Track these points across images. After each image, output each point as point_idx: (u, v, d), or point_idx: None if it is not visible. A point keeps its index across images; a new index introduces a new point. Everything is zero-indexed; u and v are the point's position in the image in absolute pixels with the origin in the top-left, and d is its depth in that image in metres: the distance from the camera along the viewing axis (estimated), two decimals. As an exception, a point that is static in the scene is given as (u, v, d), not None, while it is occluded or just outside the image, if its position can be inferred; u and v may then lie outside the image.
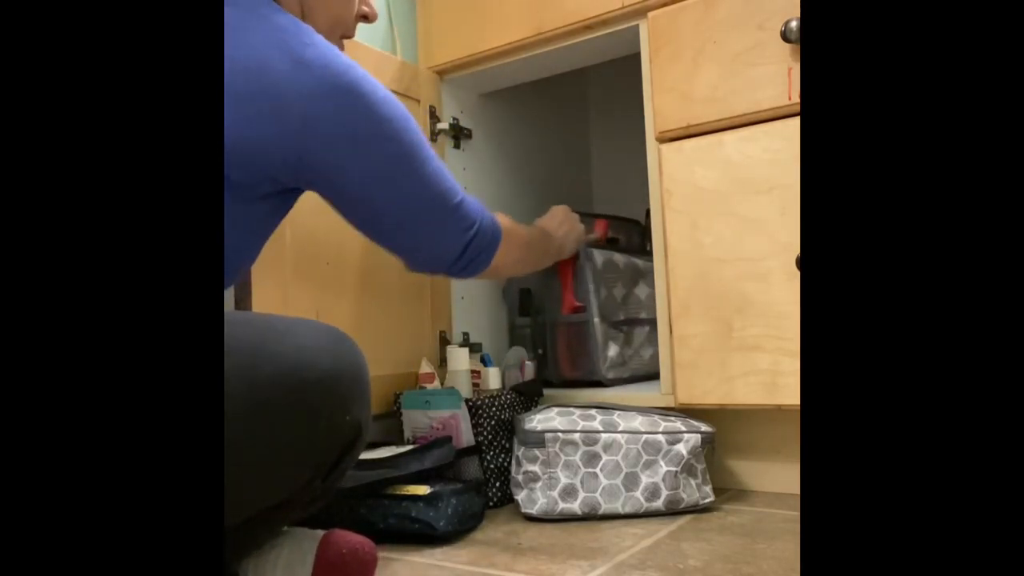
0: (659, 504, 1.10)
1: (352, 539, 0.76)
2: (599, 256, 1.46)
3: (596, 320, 1.44)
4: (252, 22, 0.73)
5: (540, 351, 1.50)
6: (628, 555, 0.93)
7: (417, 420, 1.21)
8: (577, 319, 1.46)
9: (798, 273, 1.09)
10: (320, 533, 0.76)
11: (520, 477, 1.13)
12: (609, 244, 1.58)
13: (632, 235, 1.69)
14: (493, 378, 1.33)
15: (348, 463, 0.69)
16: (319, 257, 1.20)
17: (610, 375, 1.45)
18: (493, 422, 1.20)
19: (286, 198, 0.82)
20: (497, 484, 1.20)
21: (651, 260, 1.29)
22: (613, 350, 1.47)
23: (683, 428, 1.13)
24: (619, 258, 1.52)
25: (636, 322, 1.54)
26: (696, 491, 1.12)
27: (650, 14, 1.24)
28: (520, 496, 1.13)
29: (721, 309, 1.16)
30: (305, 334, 0.60)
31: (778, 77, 1.11)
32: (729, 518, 1.08)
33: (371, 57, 1.33)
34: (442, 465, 1.09)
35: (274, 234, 0.88)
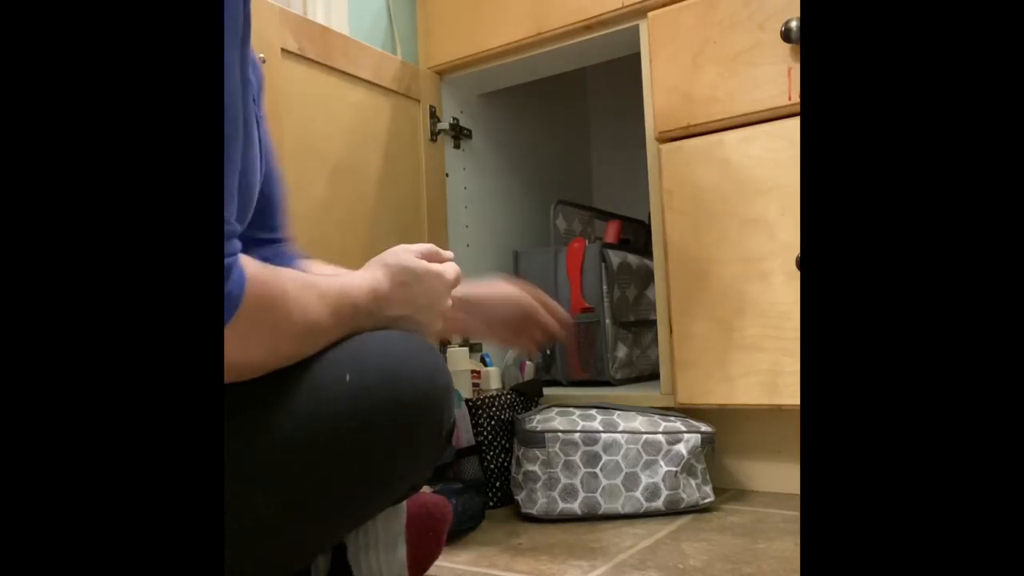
0: (659, 504, 1.10)
1: (428, 496, 0.83)
2: (615, 257, 1.46)
3: (607, 322, 1.44)
4: None
5: (548, 351, 1.50)
6: (628, 555, 0.93)
7: (417, 420, 1.21)
8: (586, 319, 1.46)
9: (798, 273, 1.09)
10: None
11: (520, 477, 1.13)
12: (622, 245, 1.58)
13: (639, 236, 1.70)
14: (493, 378, 1.33)
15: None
16: (321, 258, 1.20)
17: (618, 375, 1.45)
18: (493, 422, 1.20)
19: None
20: (497, 484, 1.20)
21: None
22: (622, 351, 1.47)
23: (683, 428, 1.13)
24: (633, 259, 1.52)
25: (645, 323, 1.54)
26: (696, 491, 1.12)
27: (650, 14, 1.24)
28: (520, 496, 1.13)
29: (721, 309, 1.16)
30: (418, 358, 0.63)
31: (778, 77, 1.11)
32: (729, 518, 1.08)
33: (371, 57, 1.33)
34: (442, 465, 1.09)
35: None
